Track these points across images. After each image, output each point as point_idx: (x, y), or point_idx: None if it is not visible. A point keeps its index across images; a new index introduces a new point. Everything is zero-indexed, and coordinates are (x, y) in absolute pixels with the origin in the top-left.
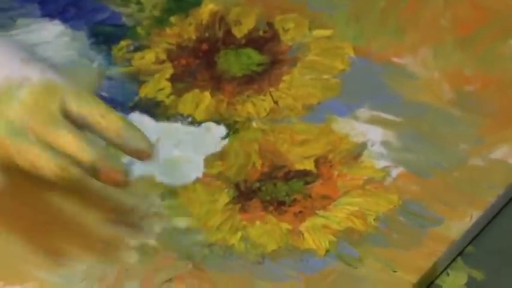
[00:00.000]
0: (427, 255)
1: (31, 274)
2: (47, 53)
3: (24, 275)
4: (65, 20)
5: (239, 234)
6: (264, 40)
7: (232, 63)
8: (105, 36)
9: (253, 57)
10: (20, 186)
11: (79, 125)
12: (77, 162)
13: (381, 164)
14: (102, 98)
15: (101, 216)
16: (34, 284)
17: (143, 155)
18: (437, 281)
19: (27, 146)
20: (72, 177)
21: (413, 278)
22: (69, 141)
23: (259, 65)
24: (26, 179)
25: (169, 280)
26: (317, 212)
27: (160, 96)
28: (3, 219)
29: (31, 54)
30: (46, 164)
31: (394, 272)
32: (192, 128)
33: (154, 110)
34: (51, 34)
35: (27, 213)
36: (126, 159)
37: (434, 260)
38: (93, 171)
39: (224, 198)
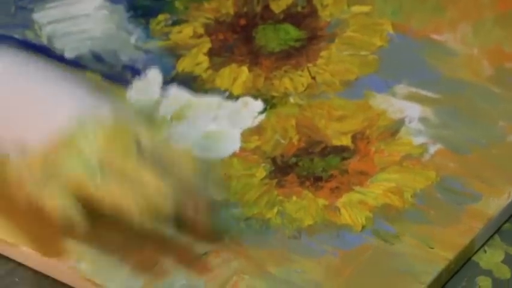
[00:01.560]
0: (464, 232)
1: (68, 245)
2: (85, 26)
3: (61, 247)
4: None
5: (276, 209)
6: (302, 16)
7: (270, 38)
8: (144, 9)
9: (291, 33)
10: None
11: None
12: (158, 207)
13: (419, 140)
14: (138, 71)
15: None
16: (72, 255)
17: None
18: (474, 258)
19: (106, 184)
20: (159, 224)
21: (450, 255)
22: (150, 179)
23: (297, 40)
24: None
25: (205, 254)
26: (354, 187)
27: (198, 71)
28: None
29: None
30: (132, 204)
31: (431, 248)
32: (229, 103)
33: (192, 84)
34: (90, 7)
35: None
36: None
37: (471, 237)
38: (176, 220)
39: (261, 172)
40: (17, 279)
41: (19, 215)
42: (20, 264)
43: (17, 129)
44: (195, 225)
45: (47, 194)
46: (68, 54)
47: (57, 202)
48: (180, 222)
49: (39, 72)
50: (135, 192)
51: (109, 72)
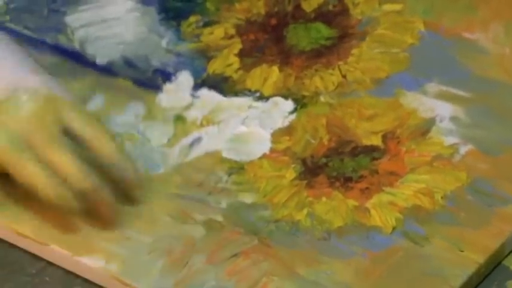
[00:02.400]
0: (495, 235)
1: (98, 246)
2: (117, 29)
3: (91, 246)
4: None
5: (305, 210)
6: (333, 14)
7: (301, 37)
8: (175, 11)
9: (323, 31)
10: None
11: (76, 141)
12: (72, 186)
13: (450, 140)
14: (169, 74)
15: (168, 191)
16: (101, 255)
17: (129, 185)
18: (505, 262)
19: (25, 162)
20: (69, 209)
21: (480, 258)
22: (66, 164)
23: (328, 39)
24: None
25: (235, 255)
26: (384, 188)
27: (229, 72)
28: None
29: (36, 64)
30: (42, 185)
31: (461, 251)
32: (260, 103)
33: (222, 85)
34: (121, 9)
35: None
36: (187, 139)
37: (502, 241)
38: (84, 198)
39: (291, 173)
40: (47, 278)
41: None
42: (50, 263)
43: None
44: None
45: None
46: (100, 60)
47: None
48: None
49: None
50: (51, 177)
51: (140, 78)
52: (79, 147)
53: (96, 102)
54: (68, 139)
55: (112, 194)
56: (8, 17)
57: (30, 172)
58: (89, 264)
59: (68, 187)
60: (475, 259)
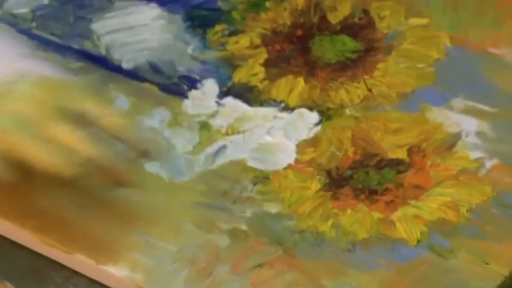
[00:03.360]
0: None
1: (123, 254)
2: (143, 36)
3: (116, 255)
4: (162, 3)
5: (330, 221)
6: (359, 27)
7: (326, 49)
8: (201, 20)
9: (348, 44)
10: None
11: (79, 122)
12: (79, 158)
13: (475, 154)
14: (195, 81)
15: (192, 199)
16: (126, 264)
17: (147, 154)
18: None
19: (28, 140)
20: (72, 175)
21: (506, 271)
22: (70, 135)
23: (353, 52)
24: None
25: (259, 265)
26: (409, 201)
27: (254, 81)
28: (96, 198)
29: (31, 49)
30: (46, 159)
31: (486, 264)
32: (285, 114)
33: (248, 94)
34: (148, 17)
35: (120, 193)
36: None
37: None
38: (95, 167)
39: (316, 185)
40: (72, 287)
41: None
42: (75, 272)
43: None
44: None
45: None
46: (126, 65)
47: None
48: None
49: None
50: (54, 150)
51: (166, 83)
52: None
53: (122, 106)
54: (67, 114)
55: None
56: (34, 24)
57: (33, 148)
58: (114, 273)
59: (74, 158)
60: (500, 272)
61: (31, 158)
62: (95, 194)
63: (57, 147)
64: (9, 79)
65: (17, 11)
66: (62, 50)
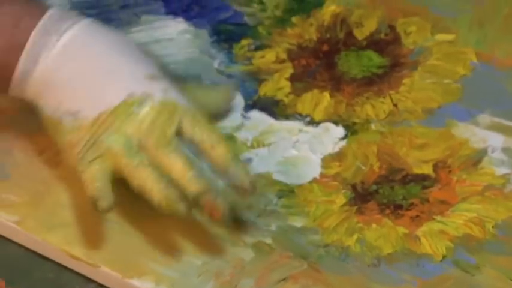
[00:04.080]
0: None
1: (148, 267)
2: (169, 50)
3: (141, 268)
4: (188, 18)
5: (355, 236)
6: (385, 43)
7: (352, 64)
8: (227, 34)
9: (374, 60)
10: None
11: (191, 146)
12: (183, 190)
13: (501, 171)
14: None
15: None
16: (151, 278)
17: (244, 192)
18: None
19: (137, 165)
20: (176, 211)
21: None
22: (179, 167)
23: (379, 67)
24: None
25: (284, 279)
26: (434, 217)
27: (280, 95)
28: (121, 210)
29: (160, 70)
30: (154, 190)
31: None
32: (311, 128)
33: (273, 108)
34: (174, 31)
35: (145, 207)
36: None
37: None
38: (196, 202)
39: (341, 199)
40: None
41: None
42: (100, 285)
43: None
44: (212, 211)
45: (86, 166)
46: None
47: (93, 177)
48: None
49: (114, 45)
50: (163, 183)
51: None
52: (193, 152)
53: None
54: (182, 143)
55: (224, 199)
56: None
57: (141, 175)
58: (139, 286)
59: (178, 190)
60: None
61: (135, 183)
62: (119, 207)
63: (162, 176)
64: (135, 100)
65: None
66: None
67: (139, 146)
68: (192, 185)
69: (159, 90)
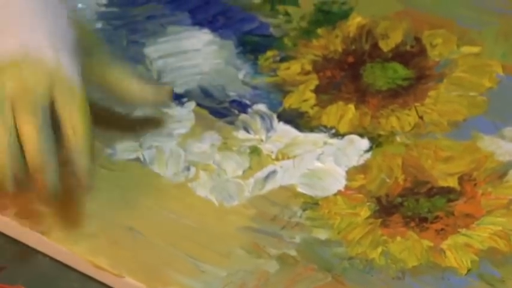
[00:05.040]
0: None
1: (173, 278)
2: (195, 61)
3: (166, 278)
4: (214, 29)
5: (380, 248)
6: (410, 55)
7: (377, 76)
8: (253, 45)
9: (400, 72)
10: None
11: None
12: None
13: None
14: (245, 106)
15: (242, 224)
16: None
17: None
18: None
19: None
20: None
21: None
22: (29, 137)
23: (405, 79)
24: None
25: None
26: (459, 230)
27: (305, 107)
28: (147, 222)
29: (68, 35)
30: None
31: None
32: (335, 140)
33: (298, 120)
34: (200, 42)
35: (170, 217)
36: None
37: None
38: (27, 173)
39: (365, 212)
40: None
41: None
42: None
43: None
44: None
45: None
46: (177, 89)
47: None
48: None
49: None
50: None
51: (217, 108)
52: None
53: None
54: (48, 117)
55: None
56: None
57: None
58: None
59: (15, 159)
60: None
61: None
62: (145, 217)
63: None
64: (16, 60)
65: None
66: None
67: (9, 107)
68: (32, 158)
69: (53, 60)
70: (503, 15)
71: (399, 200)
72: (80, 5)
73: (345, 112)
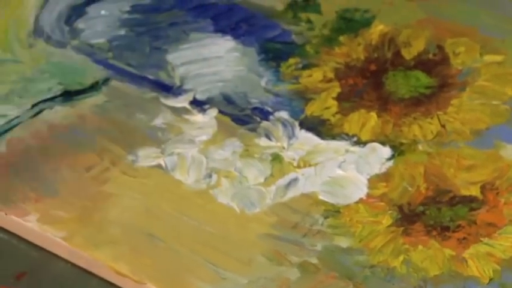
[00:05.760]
0: None
1: (194, 285)
2: (217, 68)
3: (187, 285)
4: (236, 36)
5: (401, 257)
6: (433, 63)
7: (400, 84)
8: (275, 53)
9: (422, 80)
10: (181, 197)
11: None
12: None
13: None
14: (267, 113)
15: (263, 231)
16: None
17: None
18: None
19: None
20: None
21: None
22: None
23: (427, 87)
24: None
25: None
26: (482, 239)
27: (326, 115)
28: (168, 229)
29: None
30: None
31: None
32: (357, 148)
33: (320, 128)
34: (222, 49)
35: (191, 223)
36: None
37: None
38: None
39: (387, 220)
40: None
41: None
42: None
43: None
44: None
45: None
46: (199, 96)
47: None
48: None
49: None
50: None
51: (238, 115)
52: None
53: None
54: None
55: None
56: (111, 54)
57: None
58: None
59: None
60: None
61: None
62: (166, 224)
63: None
64: None
65: (93, 41)
66: (137, 80)
67: None
68: None
69: None
70: None
71: (421, 208)
72: (103, 12)
73: (367, 120)
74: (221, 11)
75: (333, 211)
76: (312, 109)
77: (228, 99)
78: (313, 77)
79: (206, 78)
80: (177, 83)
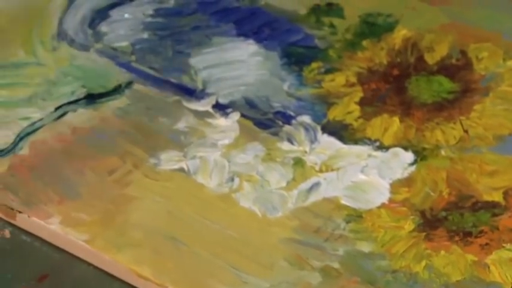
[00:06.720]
0: None
1: None
2: (239, 72)
3: None
4: (259, 40)
5: (423, 262)
6: (456, 68)
7: (423, 89)
8: (297, 57)
9: (445, 85)
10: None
11: None
12: None
13: None
14: (290, 117)
15: (285, 235)
16: None
17: None
18: None
19: None
20: None
21: None
22: None
23: (450, 92)
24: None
25: None
26: (504, 245)
27: (349, 119)
28: (190, 232)
29: None
30: None
31: None
32: (379, 153)
33: (342, 132)
34: (245, 53)
35: (213, 227)
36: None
37: None
38: None
39: (409, 225)
40: None
41: None
42: None
43: None
44: None
45: None
46: (222, 100)
47: None
48: None
49: None
50: None
51: (261, 119)
52: None
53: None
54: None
55: None
56: (134, 57)
57: None
58: None
59: None
60: None
61: None
62: (188, 228)
63: None
64: None
65: (116, 45)
66: (160, 83)
67: None
68: None
69: None
70: None
71: (443, 213)
72: (126, 15)
73: (390, 125)
74: (244, 15)
75: (355, 216)
76: (335, 113)
77: (250, 103)
78: (335, 82)
79: (228, 82)
80: (200, 86)
